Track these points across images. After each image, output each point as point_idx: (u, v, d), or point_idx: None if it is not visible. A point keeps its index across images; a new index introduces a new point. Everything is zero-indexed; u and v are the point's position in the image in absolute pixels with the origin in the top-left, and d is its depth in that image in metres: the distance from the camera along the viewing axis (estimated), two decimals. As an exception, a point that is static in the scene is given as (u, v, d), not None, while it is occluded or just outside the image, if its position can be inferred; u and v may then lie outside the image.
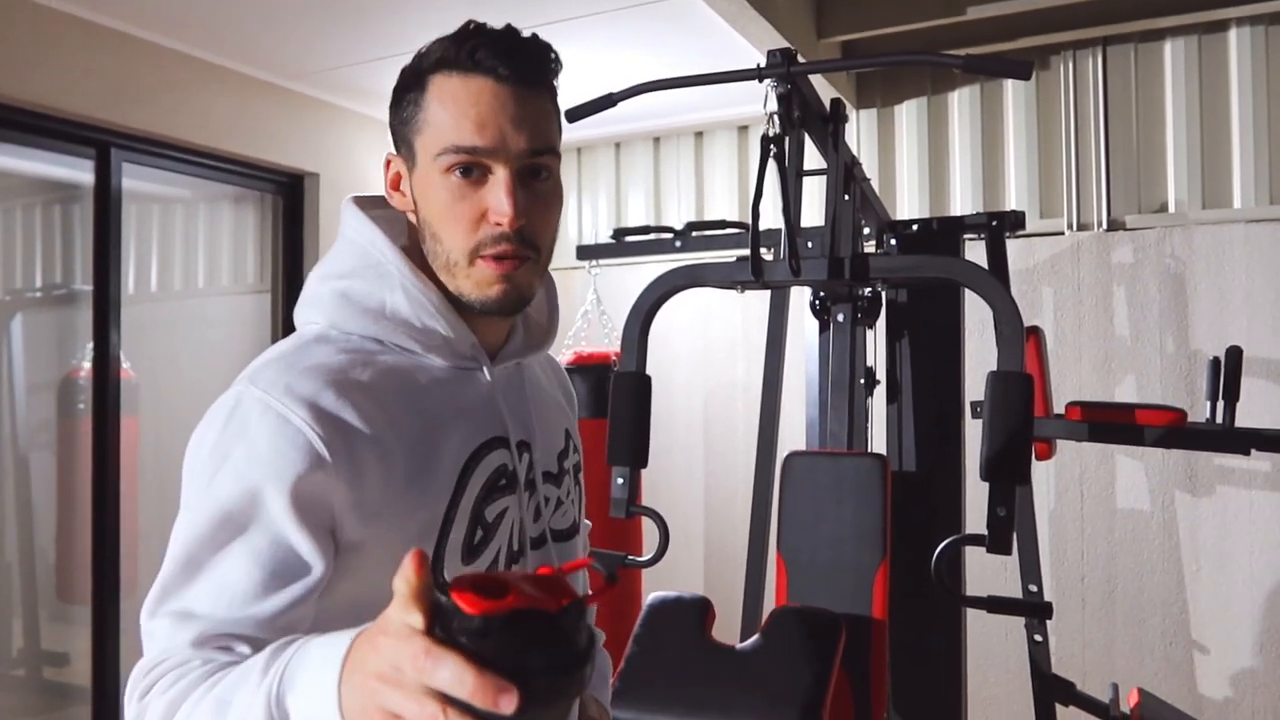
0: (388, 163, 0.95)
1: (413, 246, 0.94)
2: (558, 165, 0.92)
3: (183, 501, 0.82)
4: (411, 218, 0.94)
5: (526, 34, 0.89)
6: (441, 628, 0.53)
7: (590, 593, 0.59)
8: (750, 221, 1.78)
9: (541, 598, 0.53)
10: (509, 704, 0.51)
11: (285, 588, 0.78)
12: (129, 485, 3.12)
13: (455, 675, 0.52)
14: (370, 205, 0.96)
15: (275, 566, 0.78)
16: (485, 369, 0.95)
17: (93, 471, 3.03)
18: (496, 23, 0.90)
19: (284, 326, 3.71)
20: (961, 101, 3.50)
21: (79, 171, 3.08)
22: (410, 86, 0.90)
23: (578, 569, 0.59)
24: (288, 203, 3.72)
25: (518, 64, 0.87)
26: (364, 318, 0.89)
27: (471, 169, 0.86)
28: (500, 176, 0.86)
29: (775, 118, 1.77)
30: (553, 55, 0.91)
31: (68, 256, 3.25)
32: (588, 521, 1.21)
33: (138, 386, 3.25)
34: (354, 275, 0.91)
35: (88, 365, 3.09)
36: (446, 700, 0.53)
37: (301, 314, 0.93)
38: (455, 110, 0.86)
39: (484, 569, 0.88)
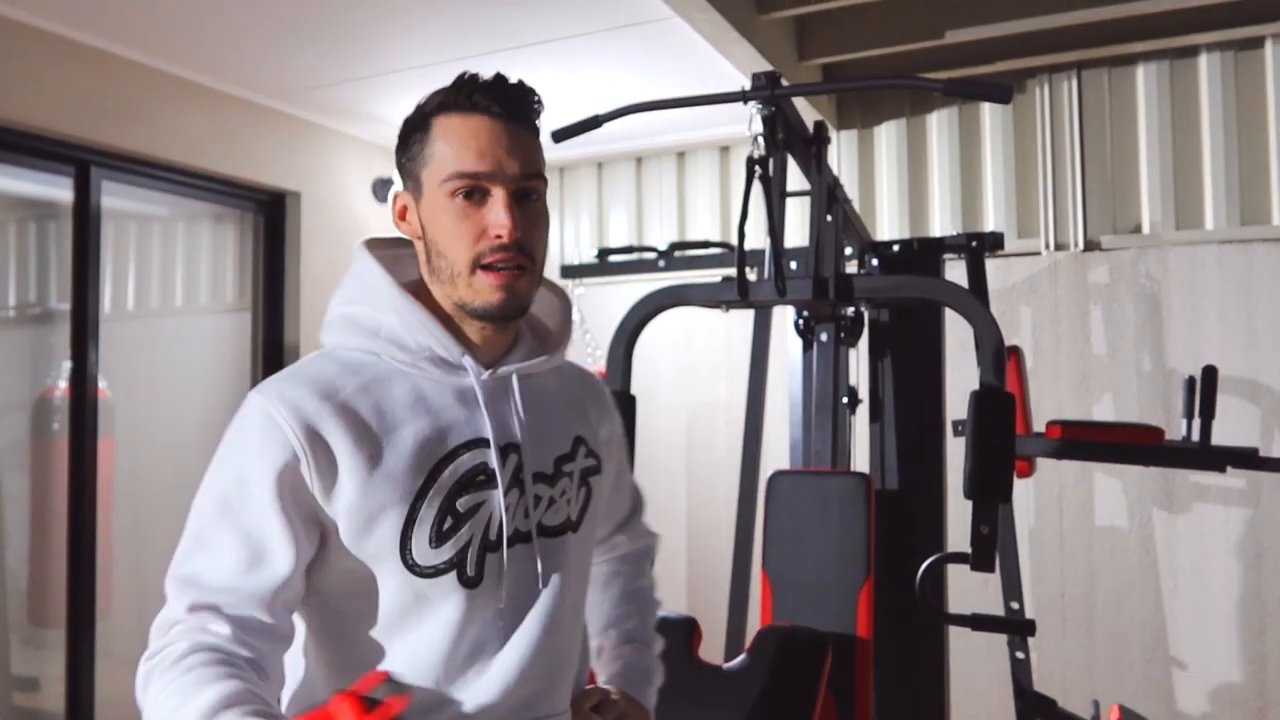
0: (395, 197, 1.07)
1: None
2: (545, 189, 1.05)
3: (201, 484, 0.98)
4: (418, 244, 1.06)
5: (513, 66, 0.98)
6: None
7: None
8: (736, 242, 1.79)
9: None
10: None
11: (262, 572, 0.94)
12: (104, 508, 3.08)
13: None
14: (383, 245, 1.10)
15: (254, 551, 0.94)
16: (474, 378, 1.04)
17: (69, 493, 2.99)
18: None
19: (264, 345, 3.68)
20: (940, 123, 3.54)
21: (57, 189, 3.05)
22: (415, 128, 1.04)
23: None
24: (268, 221, 3.70)
25: (508, 104, 1.02)
26: (363, 336, 1.03)
27: (474, 192, 1.00)
28: (499, 197, 1.00)
29: (760, 139, 1.79)
30: (536, 97, 1.05)
31: (43, 275, 3.22)
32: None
33: (114, 407, 3.21)
34: (356, 302, 1.05)
35: (63, 385, 3.05)
36: None
37: (321, 334, 1.08)
38: (458, 143, 1.00)
39: (454, 553, 0.99)
